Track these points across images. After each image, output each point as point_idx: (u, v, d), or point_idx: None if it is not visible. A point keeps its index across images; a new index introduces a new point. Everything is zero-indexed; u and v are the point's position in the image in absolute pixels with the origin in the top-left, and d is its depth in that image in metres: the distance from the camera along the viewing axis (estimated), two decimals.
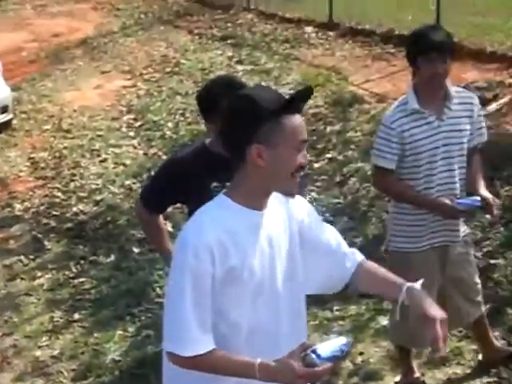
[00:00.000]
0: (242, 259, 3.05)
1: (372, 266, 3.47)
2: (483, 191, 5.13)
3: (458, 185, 5.13)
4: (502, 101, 9.45)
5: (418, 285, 3.19)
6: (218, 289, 3.03)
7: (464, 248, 5.33)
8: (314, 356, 2.88)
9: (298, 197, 3.34)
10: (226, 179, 3.55)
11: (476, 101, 5.26)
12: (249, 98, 3.09)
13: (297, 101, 3.10)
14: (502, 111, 9.27)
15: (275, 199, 3.25)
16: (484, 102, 9.30)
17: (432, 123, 4.99)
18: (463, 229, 5.31)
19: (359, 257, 3.49)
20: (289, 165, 3.07)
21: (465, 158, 5.16)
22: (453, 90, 5.09)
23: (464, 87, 9.21)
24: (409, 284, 3.19)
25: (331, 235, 3.47)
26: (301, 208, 3.38)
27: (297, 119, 3.08)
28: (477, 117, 5.20)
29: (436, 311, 3.05)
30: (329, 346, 2.96)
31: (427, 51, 4.85)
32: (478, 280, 5.46)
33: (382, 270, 3.45)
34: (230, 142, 3.09)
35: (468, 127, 5.12)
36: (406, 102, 5.03)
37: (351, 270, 3.42)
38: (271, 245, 3.17)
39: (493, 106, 9.34)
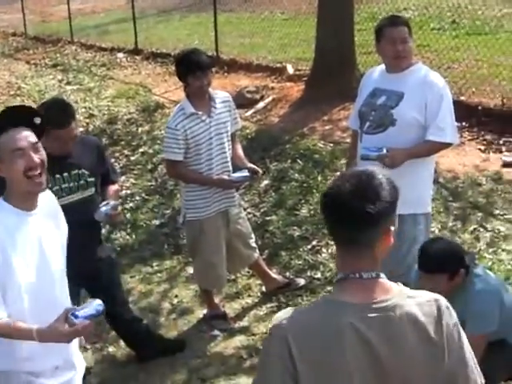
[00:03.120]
0: (12, 250, 2.99)
1: None
2: (248, 164, 5.25)
3: (229, 164, 5.19)
4: (267, 100, 9.63)
5: None
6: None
7: (238, 209, 5.43)
8: (72, 317, 2.88)
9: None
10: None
11: (230, 98, 5.33)
12: None
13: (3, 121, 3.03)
14: (267, 108, 9.45)
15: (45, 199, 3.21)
16: (254, 102, 9.52)
17: (205, 121, 5.03)
18: (236, 195, 5.40)
19: None
20: (15, 171, 3.00)
21: (230, 143, 5.22)
22: (214, 93, 5.14)
23: (238, 92, 9.43)
24: None
25: None
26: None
27: (8, 135, 3.00)
28: (233, 110, 5.26)
29: None
30: (86, 307, 2.98)
31: (194, 71, 4.90)
32: (251, 230, 5.58)
33: None
34: None
35: (229, 119, 5.18)
36: (183, 108, 5.03)
37: None
38: (40, 240, 3.10)
39: (261, 105, 9.50)
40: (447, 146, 4.61)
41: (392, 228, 2.15)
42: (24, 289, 3.03)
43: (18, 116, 3.06)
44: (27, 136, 3.02)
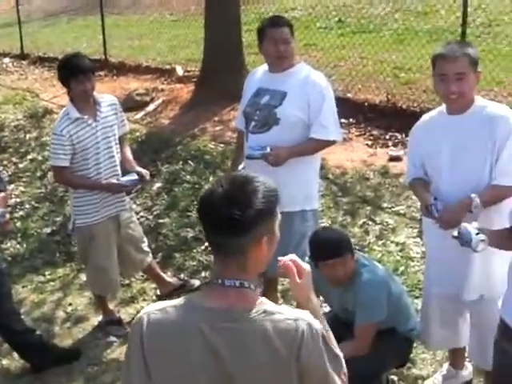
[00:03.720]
0: None
1: None
2: (137, 168, 5.21)
3: (118, 167, 5.14)
4: (157, 102, 9.60)
5: None
6: None
7: (129, 213, 5.38)
8: None
9: None
10: None
11: (117, 102, 5.26)
12: None
13: None
14: (158, 110, 9.43)
15: None
16: (144, 104, 9.48)
17: (91, 125, 4.96)
18: (127, 199, 5.34)
19: None
20: None
21: (118, 146, 5.17)
22: (99, 96, 5.08)
23: (128, 95, 9.36)
24: None
25: None
26: None
27: None
28: (119, 113, 5.21)
29: None
30: None
31: (76, 74, 4.84)
32: (143, 234, 5.55)
33: None
34: None
35: (116, 122, 5.13)
36: (68, 113, 4.95)
37: None
38: None
39: (151, 107, 9.47)
40: (331, 143, 4.67)
41: (265, 238, 2.10)
42: None
43: None
44: None
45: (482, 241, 3.51)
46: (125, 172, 5.17)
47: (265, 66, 4.72)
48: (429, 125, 3.98)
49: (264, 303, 2.11)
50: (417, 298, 5.23)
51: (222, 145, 7.86)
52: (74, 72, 4.84)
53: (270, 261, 2.19)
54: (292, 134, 4.47)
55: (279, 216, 2.17)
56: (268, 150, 4.39)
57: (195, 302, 2.11)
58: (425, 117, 4.10)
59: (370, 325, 4.02)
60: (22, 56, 14.48)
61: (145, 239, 5.56)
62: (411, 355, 4.57)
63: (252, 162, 4.49)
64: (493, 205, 3.73)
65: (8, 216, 4.60)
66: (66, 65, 4.96)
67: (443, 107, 3.91)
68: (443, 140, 3.82)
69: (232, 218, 2.01)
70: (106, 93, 5.67)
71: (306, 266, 2.28)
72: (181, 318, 2.09)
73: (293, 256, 2.30)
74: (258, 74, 4.77)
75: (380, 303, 4.02)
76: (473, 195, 3.63)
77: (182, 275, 5.98)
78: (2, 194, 4.69)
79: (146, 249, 5.56)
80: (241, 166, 4.98)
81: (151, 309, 2.16)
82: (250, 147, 4.53)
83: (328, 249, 3.92)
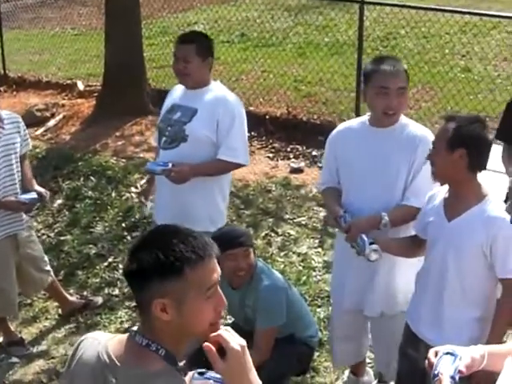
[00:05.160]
0: None
1: None
2: (36, 187, 5.13)
3: (17, 185, 5.03)
4: (57, 117, 9.46)
5: None
6: None
7: (28, 232, 5.27)
8: None
9: None
10: None
11: (20, 119, 5.14)
12: None
13: None
14: (58, 125, 9.29)
15: None
16: (44, 120, 9.36)
17: None
18: (26, 218, 5.22)
19: None
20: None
21: (19, 164, 5.06)
22: (3, 114, 4.99)
23: (28, 110, 9.22)
24: None
25: None
26: None
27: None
28: (23, 131, 5.11)
29: None
30: None
31: None
32: (43, 254, 5.45)
33: None
34: None
35: (18, 140, 5.03)
36: None
37: None
38: None
39: (52, 122, 9.33)
40: (238, 166, 4.64)
41: (164, 301, 1.92)
42: None
43: None
44: None
45: (375, 250, 3.63)
46: (25, 190, 5.10)
47: None
48: (347, 133, 4.02)
49: (158, 375, 1.96)
50: (319, 306, 5.36)
51: (123, 160, 7.84)
52: None
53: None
54: (200, 152, 4.43)
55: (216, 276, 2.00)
56: (170, 165, 4.35)
57: (108, 348, 2.03)
58: (343, 125, 4.16)
59: (271, 329, 4.11)
60: None
61: (45, 258, 5.47)
62: (314, 363, 4.69)
63: (159, 178, 4.50)
64: (402, 225, 3.82)
65: None
66: None
67: (365, 118, 3.98)
68: (361, 151, 3.88)
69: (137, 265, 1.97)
70: (6, 108, 5.59)
71: (239, 341, 1.97)
72: (92, 363, 2.05)
73: (226, 329, 2.00)
74: (177, 90, 4.73)
75: (280, 308, 4.12)
76: (383, 213, 3.72)
77: (85, 293, 5.93)
78: None
79: (47, 268, 5.46)
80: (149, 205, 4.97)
81: (89, 335, 2.16)
82: (152, 162, 4.54)
83: (232, 239, 4.01)
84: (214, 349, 1.93)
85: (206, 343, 1.94)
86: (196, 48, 4.45)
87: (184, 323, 1.95)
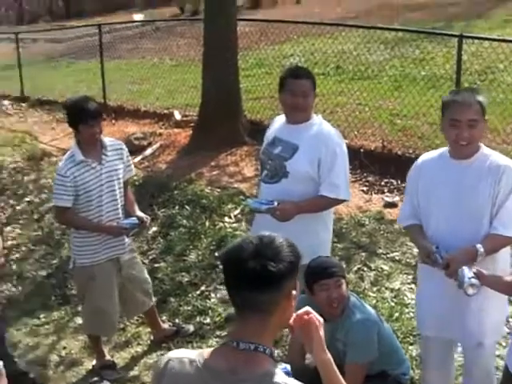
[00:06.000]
0: None
1: None
2: (138, 212, 5.29)
3: (120, 211, 5.21)
4: (154, 146, 9.68)
5: None
6: None
7: (130, 254, 5.42)
8: None
9: None
10: None
11: (124, 146, 5.35)
12: None
13: None
14: (155, 154, 9.51)
15: None
16: (141, 148, 9.58)
17: (95, 168, 5.04)
18: (127, 241, 5.37)
19: None
20: None
21: (122, 190, 5.24)
22: (106, 140, 5.16)
23: (126, 138, 9.45)
24: None
25: None
26: None
27: None
28: (126, 158, 5.29)
29: None
30: None
31: (86, 119, 4.92)
32: (147, 276, 5.59)
33: None
34: None
35: (121, 166, 5.21)
36: (73, 155, 5.03)
37: None
38: None
39: (149, 151, 9.55)
40: (340, 202, 4.65)
41: (294, 292, 2.12)
42: None
43: None
44: None
45: (472, 285, 3.58)
46: (127, 215, 5.25)
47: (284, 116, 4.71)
48: (429, 166, 4.01)
49: (273, 374, 2.07)
50: (411, 344, 5.26)
51: (218, 189, 7.92)
52: (82, 116, 4.92)
53: None
54: (300, 188, 4.44)
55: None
56: (275, 204, 4.36)
57: (207, 362, 2.11)
58: (424, 157, 4.13)
59: (361, 365, 4.06)
60: (22, 99, 14.63)
61: (149, 281, 5.60)
62: None
63: (260, 215, 4.55)
64: (491, 254, 3.78)
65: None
66: (75, 108, 5.02)
67: (445, 150, 3.96)
68: (444, 185, 3.87)
69: (266, 270, 2.02)
70: (105, 137, 5.75)
71: (320, 318, 2.36)
72: (192, 375, 2.12)
73: (307, 308, 2.36)
74: (278, 122, 4.77)
75: (371, 343, 4.08)
76: (478, 245, 3.68)
77: (176, 320, 6.00)
78: None
79: (150, 290, 5.61)
80: None
81: (172, 356, 2.21)
82: (257, 201, 4.54)
83: (325, 269, 4.04)
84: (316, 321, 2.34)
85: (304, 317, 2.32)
86: (312, 83, 4.49)
87: (285, 318, 2.17)
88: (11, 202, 9.16)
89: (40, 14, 54.42)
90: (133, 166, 5.49)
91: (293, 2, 26.94)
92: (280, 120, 4.76)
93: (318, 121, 4.58)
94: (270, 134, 4.73)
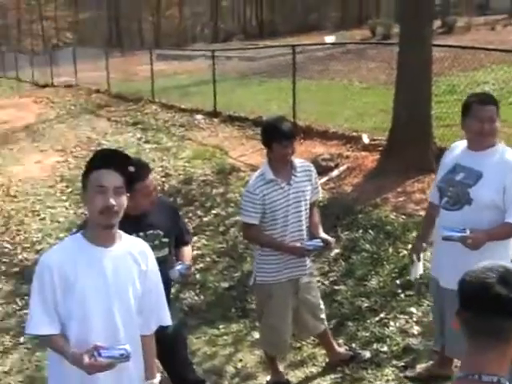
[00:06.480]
0: (75, 278, 3.20)
1: (149, 345, 3.62)
2: (323, 234, 5.25)
3: (304, 232, 5.21)
4: (341, 168, 9.69)
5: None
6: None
7: (309, 278, 5.40)
8: (96, 354, 3.14)
9: (150, 253, 3.50)
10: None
11: (313, 168, 5.35)
12: None
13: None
14: (341, 176, 9.51)
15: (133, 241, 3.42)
16: (328, 170, 9.60)
17: (284, 188, 5.07)
18: (309, 264, 5.39)
19: (149, 332, 3.60)
20: (93, 206, 3.20)
21: (308, 211, 5.24)
22: (296, 161, 5.18)
23: (313, 159, 9.51)
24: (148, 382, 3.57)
25: (152, 297, 3.52)
26: (148, 262, 3.46)
27: (99, 172, 3.20)
28: (314, 180, 5.28)
29: None
30: (112, 349, 3.20)
31: (279, 139, 4.96)
32: (321, 301, 5.54)
33: (148, 356, 3.61)
34: None
35: (309, 188, 5.20)
36: (263, 173, 5.08)
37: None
38: (105, 274, 3.26)
39: (335, 173, 9.56)
40: None
41: None
42: (82, 317, 3.26)
43: (114, 159, 3.24)
44: (115, 179, 3.19)
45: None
46: (311, 236, 5.26)
47: (464, 142, 4.65)
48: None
49: None
50: None
51: (403, 216, 7.78)
52: (276, 135, 4.97)
53: None
54: (483, 215, 4.38)
55: None
56: (468, 232, 4.29)
57: None
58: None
59: None
60: (214, 114, 15.12)
61: (322, 306, 5.55)
62: None
63: (448, 243, 4.44)
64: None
65: (192, 269, 4.78)
66: (270, 127, 5.10)
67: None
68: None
69: None
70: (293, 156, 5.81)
71: None
72: None
73: None
74: (458, 149, 4.70)
75: None
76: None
77: (353, 345, 5.93)
78: (189, 248, 4.90)
79: (322, 316, 5.54)
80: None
81: None
82: (448, 228, 4.44)
83: None
84: None
85: None
86: (497, 109, 4.47)
87: None
88: (199, 213, 9.45)
89: (234, 32, 56.45)
90: (320, 188, 5.48)
91: (487, 28, 26.23)
92: (460, 146, 4.70)
93: (501, 148, 4.51)
94: (449, 161, 4.68)
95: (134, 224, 4.04)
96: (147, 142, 13.97)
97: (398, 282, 6.60)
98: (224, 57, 22.34)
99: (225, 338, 6.43)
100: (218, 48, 23.72)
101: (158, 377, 3.70)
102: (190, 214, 9.31)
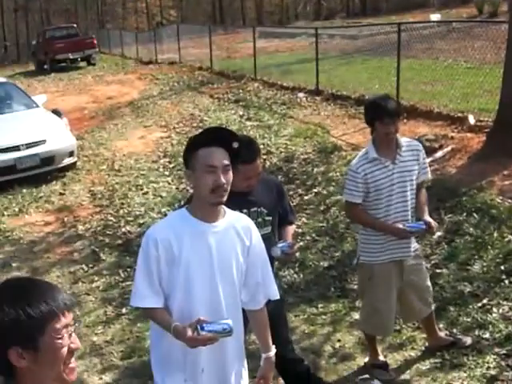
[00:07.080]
0: (179, 251, 3.24)
1: (260, 319, 3.65)
2: (427, 217, 5.14)
3: (409, 213, 5.13)
4: (445, 149, 9.48)
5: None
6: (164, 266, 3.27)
7: (415, 260, 5.30)
8: (199, 327, 3.14)
9: (254, 228, 3.50)
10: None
11: (421, 147, 5.27)
12: None
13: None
14: (445, 157, 9.30)
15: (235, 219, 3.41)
16: (432, 150, 9.40)
17: (388, 167, 5.00)
18: (414, 245, 5.29)
19: (258, 306, 3.61)
20: (203, 186, 3.22)
21: (414, 192, 5.15)
22: (402, 140, 5.10)
23: (416, 139, 9.32)
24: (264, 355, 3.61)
25: (257, 271, 3.53)
26: (252, 237, 3.46)
27: (207, 150, 3.21)
28: (422, 159, 5.19)
29: None
30: (215, 323, 3.20)
31: (382, 117, 4.89)
32: (429, 284, 5.45)
33: (261, 330, 3.66)
34: None
35: (416, 167, 5.12)
36: (367, 152, 5.03)
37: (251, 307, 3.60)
38: (210, 248, 3.28)
39: (439, 154, 9.37)
40: None
41: None
42: (186, 288, 3.31)
43: (220, 136, 3.25)
44: (223, 157, 3.21)
45: None
46: (416, 218, 5.17)
47: None
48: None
49: None
50: None
51: (509, 200, 7.54)
52: (379, 114, 4.90)
53: None
54: None
55: None
56: None
57: None
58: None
59: None
60: (317, 92, 15.05)
61: (430, 290, 5.45)
62: None
63: None
64: None
65: (295, 248, 4.76)
66: (373, 106, 5.03)
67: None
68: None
69: None
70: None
71: None
72: None
73: None
74: None
75: None
76: None
77: (454, 330, 5.81)
78: (293, 227, 4.88)
79: (430, 300, 5.46)
80: None
81: None
82: None
83: None
84: None
85: None
86: None
87: None
88: (299, 191, 9.44)
89: (337, 10, 55.89)
90: (428, 168, 5.34)
91: None
92: None
93: None
94: None
95: (237, 200, 4.03)
96: (249, 119, 14.02)
97: (502, 267, 6.42)
98: (326, 35, 22.13)
99: (323, 317, 6.41)
100: (320, 26, 23.56)
101: (274, 349, 3.72)
102: (291, 192, 9.30)
